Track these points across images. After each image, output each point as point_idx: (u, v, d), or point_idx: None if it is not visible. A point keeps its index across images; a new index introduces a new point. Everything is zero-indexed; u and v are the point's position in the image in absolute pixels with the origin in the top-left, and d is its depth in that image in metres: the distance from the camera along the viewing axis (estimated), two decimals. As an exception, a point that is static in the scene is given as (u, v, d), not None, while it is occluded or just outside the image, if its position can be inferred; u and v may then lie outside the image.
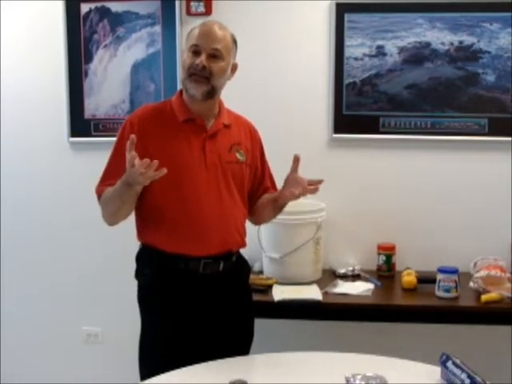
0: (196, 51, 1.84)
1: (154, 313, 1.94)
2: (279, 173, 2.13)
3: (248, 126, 2.07)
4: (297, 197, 1.90)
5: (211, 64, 1.83)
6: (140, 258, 1.98)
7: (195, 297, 1.90)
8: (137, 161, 1.65)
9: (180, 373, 1.68)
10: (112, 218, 1.89)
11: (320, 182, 1.89)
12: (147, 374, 1.77)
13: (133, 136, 1.67)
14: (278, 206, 2.03)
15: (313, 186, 1.89)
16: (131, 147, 1.66)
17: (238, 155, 1.96)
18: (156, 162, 1.64)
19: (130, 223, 1.95)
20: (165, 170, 1.65)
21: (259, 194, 2.10)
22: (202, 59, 1.82)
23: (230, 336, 1.97)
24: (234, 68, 1.95)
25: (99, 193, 1.89)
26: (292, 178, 1.92)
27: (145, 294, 1.97)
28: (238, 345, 2.00)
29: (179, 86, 2.77)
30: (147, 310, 1.97)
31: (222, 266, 1.93)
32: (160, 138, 1.86)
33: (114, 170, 1.84)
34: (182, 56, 1.90)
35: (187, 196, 1.87)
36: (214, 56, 1.84)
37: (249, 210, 2.07)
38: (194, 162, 1.88)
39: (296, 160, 1.92)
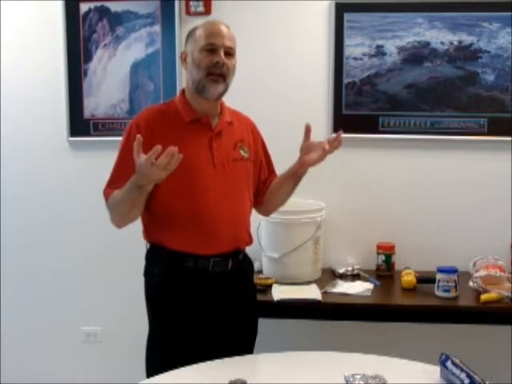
0: (212, 50, 1.86)
1: (163, 311, 1.94)
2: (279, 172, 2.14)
3: (248, 122, 2.10)
4: (317, 161, 1.92)
5: (227, 61, 1.87)
6: (149, 256, 1.99)
7: (204, 295, 1.92)
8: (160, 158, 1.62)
9: (179, 372, 1.68)
10: (122, 221, 1.89)
11: (339, 133, 1.91)
12: (154, 371, 1.76)
13: (138, 136, 1.66)
14: (296, 180, 2.03)
15: (336, 142, 1.90)
16: (139, 148, 1.65)
17: (242, 152, 1.98)
18: (176, 148, 1.61)
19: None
20: (181, 156, 1.63)
21: (267, 184, 2.12)
22: (221, 56, 1.85)
23: (237, 333, 1.99)
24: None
25: (107, 196, 1.89)
26: (307, 145, 1.95)
27: (154, 293, 1.98)
28: (244, 342, 2.03)
29: (178, 86, 2.78)
30: (156, 308, 1.98)
31: (230, 263, 1.94)
32: (167, 138, 1.85)
33: (122, 172, 1.84)
34: (192, 56, 1.89)
35: (196, 195, 1.88)
36: (229, 53, 1.88)
37: (259, 202, 2.10)
38: (201, 161, 1.89)
39: (308, 129, 1.95)
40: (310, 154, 1.93)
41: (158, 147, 1.60)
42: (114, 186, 1.86)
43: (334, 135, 1.91)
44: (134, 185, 1.74)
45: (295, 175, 2.02)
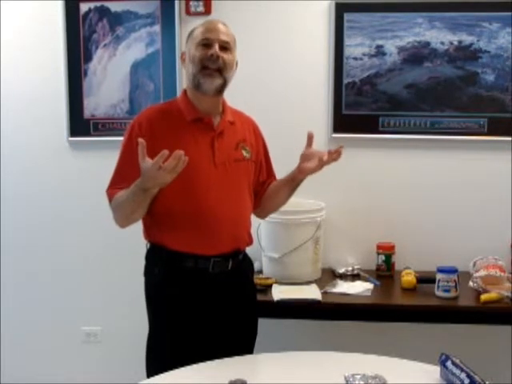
0: (207, 44, 1.86)
1: (163, 311, 1.94)
2: (279, 174, 2.14)
3: (250, 122, 2.10)
4: (315, 170, 1.92)
5: (223, 55, 1.86)
6: (149, 256, 1.98)
7: (204, 295, 1.92)
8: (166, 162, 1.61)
9: (179, 372, 1.68)
10: (126, 221, 1.89)
11: (341, 146, 1.89)
12: (155, 371, 1.76)
13: (141, 140, 1.65)
14: (294, 186, 2.03)
15: (335, 154, 1.88)
16: (144, 152, 1.64)
17: (244, 152, 1.98)
18: (182, 151, 1.61)
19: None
20: (187, 158, 1.63)
21: (265, 186, 2.12)
22: (215, 49, 1.85)
23: (237, 334, 1.99)
24: (236, 65, 1.97)
25: (110, 196, 1.88)
26: (307, 153, 1.95)
27: (154, 293, 1.97)
28: (244, 342, 2.03)
29: (178, 86, 2.78)
30: (156, 308, 1.98)
31: (230, 264, 1.94)
32: (169, 138, 1.86)
33: (124, 172, 1.84)
34: (189, 53, 1.89)
35: (197, 195, 1.87)
36: (224, 48, 1.88)
37: (256, 204, 2.09)
38: (203, 160, 1.89)
39: (310, 137, 1.95)
40: (309, 162, 1.93)
41: (165, 152, 1.60)
42: (117, 187, 1.86)
43: (337, 147, 1.90)
44: (139, 188, 1.73)
45: (293, 181, 2.02)
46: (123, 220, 1.88)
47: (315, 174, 1.95)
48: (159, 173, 1.63)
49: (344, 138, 2.75)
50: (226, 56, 1.87)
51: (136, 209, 1.82)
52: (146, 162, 1.64)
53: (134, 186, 1.74)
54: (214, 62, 1.85)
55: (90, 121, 2.91)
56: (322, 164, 1.90)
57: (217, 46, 1.85)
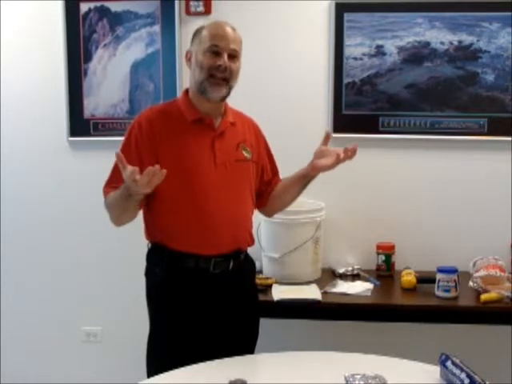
0: (216, 52, 1.85)
1: (164, 311, 1.95)
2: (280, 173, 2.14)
3: (251, 123, 2.10)
4: (330, 167, 1.91)
5: (231, 64, 1.86)
6: (150, 256, 1.99)
7: (205, 295, 1.92)
8: (138, 176, 1.63)
9: (179, 372, 1.68)
10: (118, 221, 1.91)
11: (355, 144, 1.88)
12: (155, 371, 1.77)
13: (119, 153, 1.66)
14: (306, 183, 2.03)
15: (350, 152, 1.87)
16: (123, 163, 1.65)
17: (244, 153, 1.98)
18: (157, 166, 1.62)
19: (130, 222, 1.94)
20: (164, 171, 1.64)
21: (273, 185, 2.12)
22: (224, 60, 1.85)
23: (238, 334, 1.99)
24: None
25: (105, 195, 1.90)
26: (323, 150, 1.94)
27: (155, 293, 1.98)
28: (245, 343, 2.03)
29: (178, 86, 2.78)
30: (157, 308, 1.98)
31: (231, 264, 1.94)
32: (169, 138, 1.86)
33: (120, 172, 1.84)
34: (196, 57, 1.89)
35: (198, 196, 1.88)
36: (233, 56, 1.87)
37: (263, 203, 2.10)
38: (203, 161, 1.89)
39: (327, 136, 1.96)
40: (324, 159, 1.92)
41: (136, 169, 1.62)
42: (113, 185, 1.87)
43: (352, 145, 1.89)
44: (123, 194, 1.75)
45: (305, 178, 2.02)
46: (115, 219, 1.91)
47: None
48: (134, 185, 1.65)
49: (344, 138, 2.74)
50: (233, 65, 1.87)
51: (123, 211, 1.84)
52: (126, 172, 1.65)
53: (121, 189, 1.75)
54: (221, 72, 1.85)
55: (90, 121, 2.91)
56: (338, 161, 1.88)
57: (226, 56, 1.85)
